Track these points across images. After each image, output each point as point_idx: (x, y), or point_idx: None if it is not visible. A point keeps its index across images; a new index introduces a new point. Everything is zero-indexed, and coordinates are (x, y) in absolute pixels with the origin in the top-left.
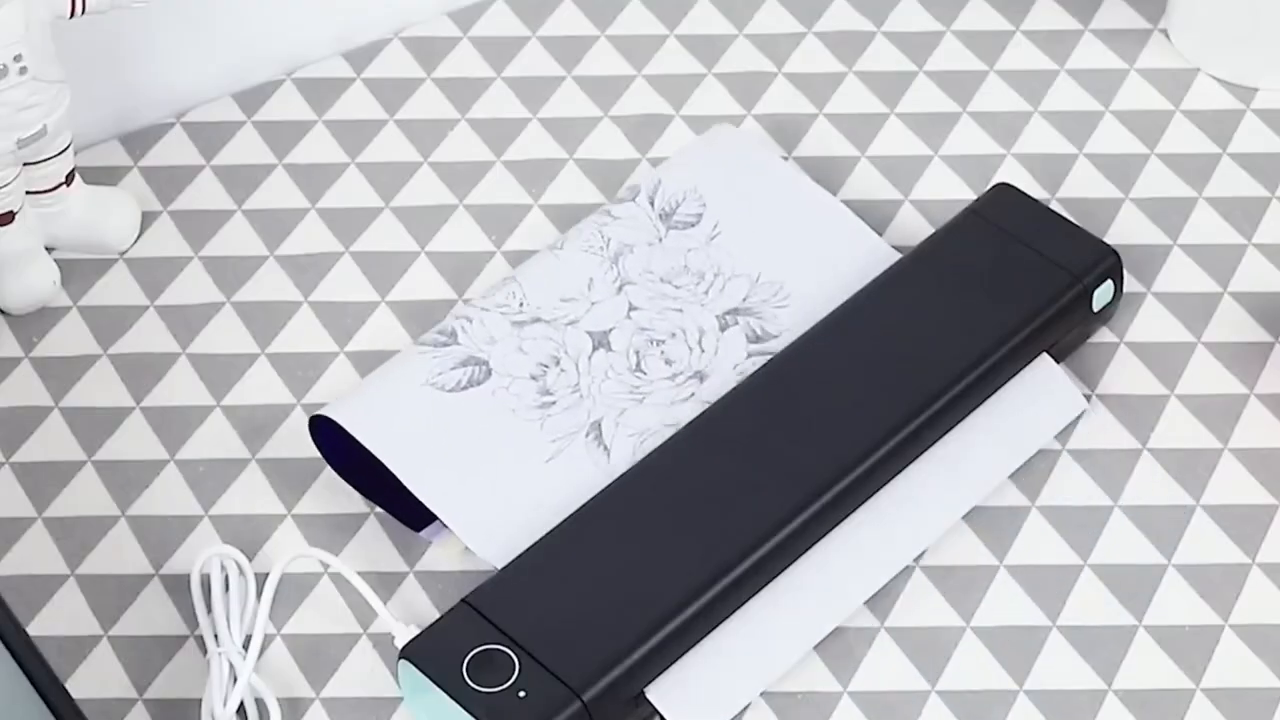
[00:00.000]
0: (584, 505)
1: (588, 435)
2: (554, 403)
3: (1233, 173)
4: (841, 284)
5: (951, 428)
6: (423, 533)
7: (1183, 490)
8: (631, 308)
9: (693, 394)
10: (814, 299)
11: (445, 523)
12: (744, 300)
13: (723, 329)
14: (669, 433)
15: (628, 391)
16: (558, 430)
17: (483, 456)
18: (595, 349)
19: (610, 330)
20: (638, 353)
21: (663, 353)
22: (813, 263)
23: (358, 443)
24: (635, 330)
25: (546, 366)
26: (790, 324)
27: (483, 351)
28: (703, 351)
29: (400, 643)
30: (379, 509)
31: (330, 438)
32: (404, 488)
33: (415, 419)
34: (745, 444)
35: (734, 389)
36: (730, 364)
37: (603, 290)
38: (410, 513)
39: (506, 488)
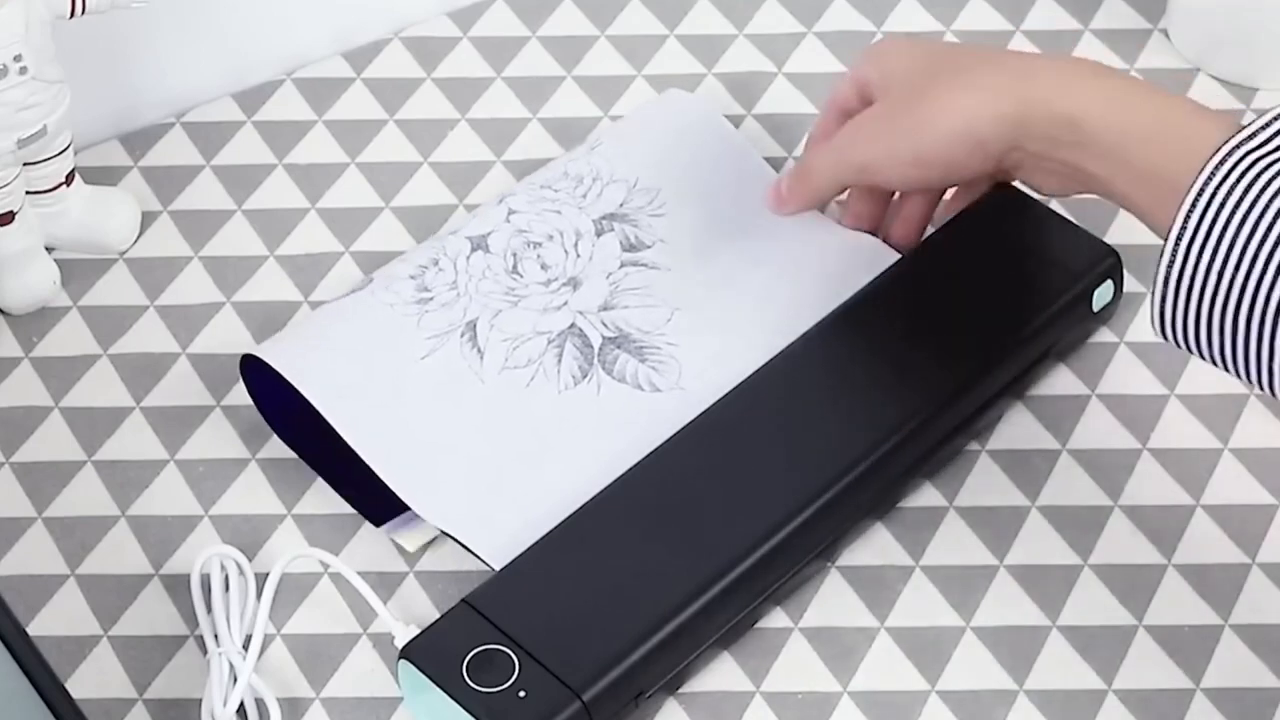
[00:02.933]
0: (584, 505)
1: (463, 335)
2: (431, 299)
3: None
4: (720, 202)
5: (952, 428)
6: (383, 527)
7: (1183, 490)
8: (511, 212)
9: (565, 302)
10: (688, 209)
11: (324, 412)
12: (621, 206)
13: (598, 234)
14: (540, 341)
15: (503, 292)
16: (433, 327)
17: (359, 355)
18: (474, 250)
19: (489, 234)
20: (515, 254)
21: (539, 256)
22: (690, 171)
23: (295, 401)
24: (514, 233)
25: (425, 267)
26: (664, 233)
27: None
28: (578, 256)
29: (400, 643)
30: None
31: (275, 411)
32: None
33: (308, 332)
34: (745, 444)
35: (734, 389)
36: (603, 272)
37: (484, 203)
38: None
39: (382, 382)
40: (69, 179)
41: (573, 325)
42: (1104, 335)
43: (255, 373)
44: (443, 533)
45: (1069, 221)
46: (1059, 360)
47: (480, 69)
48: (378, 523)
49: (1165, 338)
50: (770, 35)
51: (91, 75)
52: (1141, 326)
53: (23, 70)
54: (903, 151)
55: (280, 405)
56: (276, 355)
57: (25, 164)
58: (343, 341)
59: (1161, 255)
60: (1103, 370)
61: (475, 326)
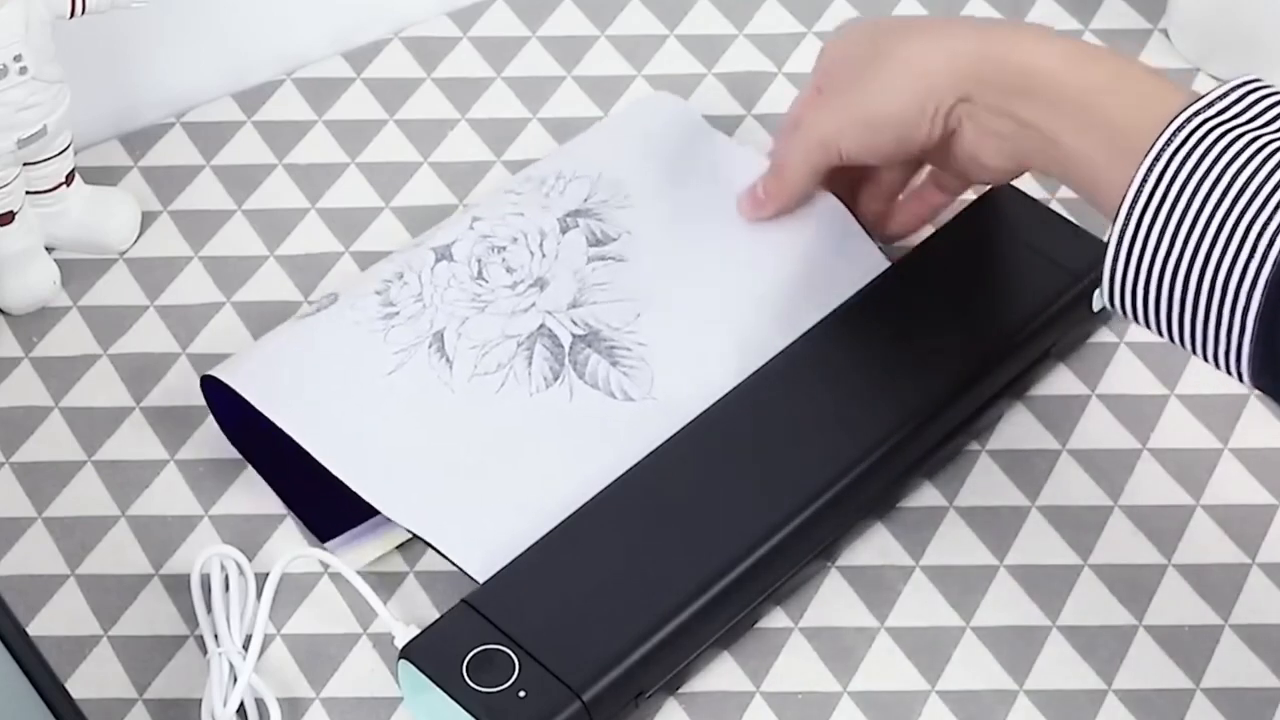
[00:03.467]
0: (584, 505)
1: (430, 346)
2: (397, 313)
3: None
4: (689, 192)
5: (952, 428)
6: (329, 543)
7: (1183, 490)
8: (475, 219)
9: (533, 304)
10: (654, 200)
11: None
12: (585, 201)
13: (564, 231)
14: (510, 345)
15: (469, 300)
16: (400, 341)
17: (329, 373)
18: (438, 261)
19: (453, 243)
20: (479, 260)
21: (504, 260)
22: (653, 160)
23: (255, 417)
24: (477, 239)
25: (390, 281)
26: (630, 225)
27: (334, 288)
28: (543, 256)
29: (400, 643)
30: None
31: (235, 427)
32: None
33: (270, 352)
34: (745, 444)
35: (733, 390)
36: (570, 269)
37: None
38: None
39: (351, 400)
40: (69, 179)
41: (542, 326)
42: (1104, 335)
43: (215, 390)
44: (424, 543)
45: (1069, 221)
46: (1059, 360)
47: (480, 69)
48: (323, 538)
49: (1111, 304)
50: (770, 35)
51: (91, 75)
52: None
53: (23, 70)
54: (856, 116)
55: (240, 421)
56: (240, 379)
57: (25, 164)
58: (309, 361)
59: (1115, 218)
60: (1103, 370)
61: (443, 336)
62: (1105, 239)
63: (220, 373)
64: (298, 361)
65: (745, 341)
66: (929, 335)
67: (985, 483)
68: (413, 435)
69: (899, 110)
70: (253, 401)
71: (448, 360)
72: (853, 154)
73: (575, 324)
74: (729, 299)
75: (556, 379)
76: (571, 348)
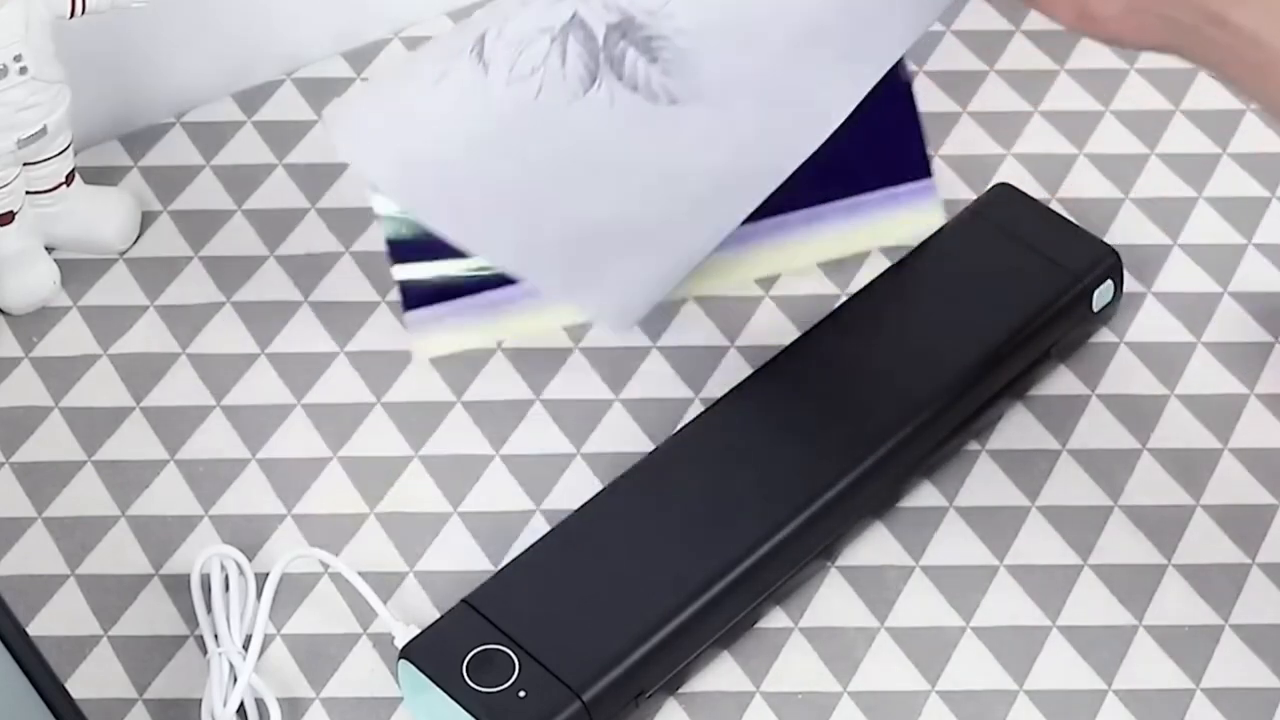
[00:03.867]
0: (584, 506)
1: (471, 51)
2: (454, 30)
3: (1233, 173)
4: None
5: (952, 428)
6: (407, 316)
7: (1182, 490)
8: None
9: None
10: None
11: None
12: None
13: None
14: (544, 41)
15: (515, 1)
16: (449, 52)
17: (389, 88)
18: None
19: None
20: None
21: None
22: None
23: None
24: None
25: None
26: None
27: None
28: None
29: (400, 643)
30: (381, 508)
31: None
32: None
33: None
34: (744, 445)
35: (733, 390)
36: None
37: None
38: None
39: (400, 123)
40: (69, 179)
41: (574, 16)
42: (1104, 335)
43: None
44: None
45: (1069, 221)
46: (1059, 360)
47: None
48: (407, 306)
49: None
50: None
51: (91, 75)
52: (1141, 326)
53: (23, 70)
54: None
55: None
56: (341, 130)
57: (25, 164)
58: (385, 90)
59: None
60: (1103, 370)
61: (484, 39)
62: None
63: (328, 113)
64: (388, 109)
65: (789, 15)
66: (929, 335)
67: (985, 483)
68: (458, 147)
69: None
70: (345, 155)
71: (484, 64)
72: None
73: (607, 9)
74: None
75: (594, 81)
76: (606, 40)
